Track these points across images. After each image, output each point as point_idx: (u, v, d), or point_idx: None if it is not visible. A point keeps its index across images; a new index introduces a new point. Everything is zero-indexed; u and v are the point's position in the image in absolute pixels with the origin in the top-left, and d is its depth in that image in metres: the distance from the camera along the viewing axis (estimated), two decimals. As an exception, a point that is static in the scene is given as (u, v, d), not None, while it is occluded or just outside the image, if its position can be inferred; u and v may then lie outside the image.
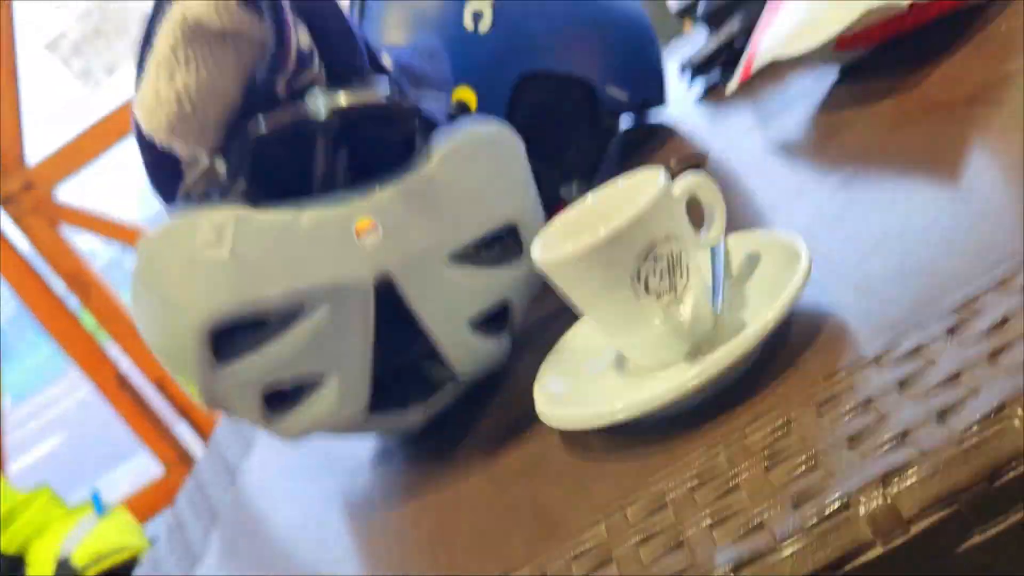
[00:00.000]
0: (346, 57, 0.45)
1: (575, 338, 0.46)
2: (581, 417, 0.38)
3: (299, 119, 0.43)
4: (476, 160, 0.46)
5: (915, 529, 0.26)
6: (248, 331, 0.44)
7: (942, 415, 0.28)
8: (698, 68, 0.85)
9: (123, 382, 3.23)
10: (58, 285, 3.14)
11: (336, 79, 0.45)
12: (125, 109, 2.98)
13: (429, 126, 0.49)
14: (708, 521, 0.30)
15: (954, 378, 0.29)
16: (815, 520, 0.27)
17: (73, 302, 3.16)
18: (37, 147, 3.03)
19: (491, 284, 0.47)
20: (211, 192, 0.46)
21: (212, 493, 0.68)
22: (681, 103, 0.89)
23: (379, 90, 0.45)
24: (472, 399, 0.51)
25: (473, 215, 0.45)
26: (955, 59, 0.56)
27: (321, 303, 0.42)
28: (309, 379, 0.45)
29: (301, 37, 0.42)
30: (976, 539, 0.26)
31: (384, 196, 0.43)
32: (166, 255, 0.43)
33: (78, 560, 0.82)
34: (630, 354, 0.41)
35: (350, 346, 0.43)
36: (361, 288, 0.42)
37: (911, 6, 0.56)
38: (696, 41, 0.99)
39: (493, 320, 0.49)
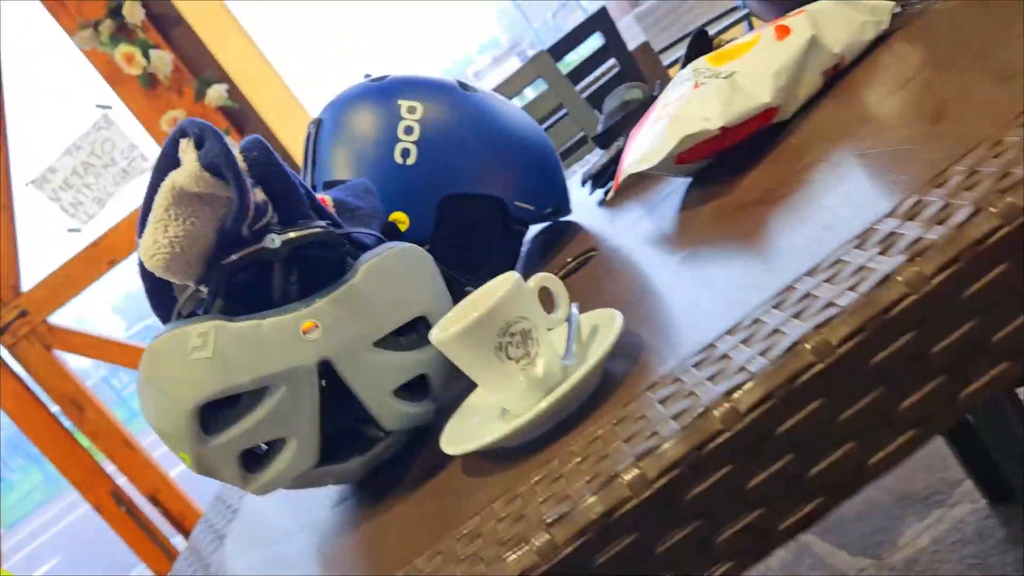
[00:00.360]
0: (292, 205, 0.61)
1: (475, 397, 0.62)
2: (466, 446, 0.54)
3: (259, 252, 0.59)
4: (390, 271, 0.62)
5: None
6: (226, 412, 0.60)
7: (678, 416, 0.44)
8: (595, 179, 1.04)
9: (119, 498, 3.31)
10: (53, 407, 3.25)
11: (286, 221, 0.61)
12: (111, 237, 3.16)
13: (360, 247, 0.66)
14: (541, 499, 0.45)
15: (688, 394, 0.45)
16: (603, 479, 0.43)
17: (68, 422, 3.26)
18: (31, 276, 3.19)
19: (408, 362, 0.62)
20: (197, 310, 0.62)
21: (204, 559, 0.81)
22: (586, 207, 1.06)
23: (316, 226, 0.62)
24: (409, 449, 0.67)
25: (390, 312, 0.61)
26: (761, 166, 0.74)
27: (280, 384, 0.58)
28: (274, 442, 0.60)
29: (257, 194, 0.59)
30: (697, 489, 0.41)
31: (322, 303, 0.59)
32: (165, 357, 0.58)
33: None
34: (506, 405, 0.57)
35: (303, 415, 0.59)
36: (308, 370, 0.58)
37: (722, 129, 0.74)
38: (594, 159, 1.18)
39: (416, 389, 0.65)
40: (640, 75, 2.16)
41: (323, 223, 0.62)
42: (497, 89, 1.91)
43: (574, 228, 1.03)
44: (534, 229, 1.15)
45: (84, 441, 3.32)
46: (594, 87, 2.18)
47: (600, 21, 2.12)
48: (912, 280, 0.41)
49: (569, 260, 0.89)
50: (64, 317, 3.27)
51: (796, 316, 0.44)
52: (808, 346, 0.42)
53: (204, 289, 0.61)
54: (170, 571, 0.81)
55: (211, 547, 0.82)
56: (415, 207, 0.89)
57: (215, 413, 0.60)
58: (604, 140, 1.03)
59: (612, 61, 2.16)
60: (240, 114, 3.05)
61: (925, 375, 0.42)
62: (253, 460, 0.62)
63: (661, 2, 4.07)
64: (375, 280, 0.61)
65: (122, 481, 3.32)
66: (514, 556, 0.42)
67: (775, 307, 0.47)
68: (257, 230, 0.60)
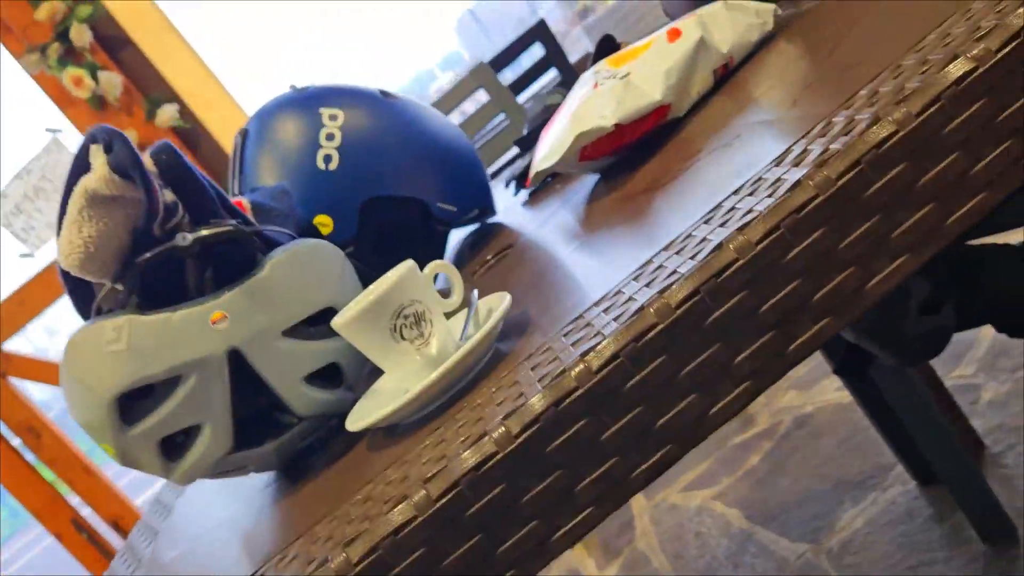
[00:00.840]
0: (202, 205, 0.65)
1: (382, 381, 0.66)
2: (364, 421, 0.57)
3: (171, 250, 0.63)
4: (297, 265, 0.66)
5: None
6: (144, 403, 0.63)
7: (542, 378, 0.48)
8: (518, 180, 1.08)
9: (79, 525, 3.29)
10: (14, 439, 3.22)
11: (197, 221, 0.65)
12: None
13: (272, 245, 0.70)
14: (424, 461, 0.49)
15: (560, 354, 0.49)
16: (475, 438, 0.47)
17: (30, 455, 3.23)
18: (-17, 304, 3.16)
19: (318, 350, 0.66)
20: (115, 307, 0.65)
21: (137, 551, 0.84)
22: (513, 208, 1.11)
23: (227, 224, 0.65)
24: (332, 436, 0.70)
25: (297, 303, 0.65)
26: (655, 158, 0.79)
27: (192, 372, 0.61)
28: (190, 429, 0.63)
29: (167, 195, 0.62)
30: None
31: (230, 295, 0.63)
32: (83, 351, 0.62)
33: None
34: (405, 384, 0.61)
35: (215, 401, 0.62)
36: (217, 359, 0.61)
37: (617, 126, 0.79)
38: (517, 161, 1.23)
39: (332, 378, 0.68)
40: (580, 85, 2.21)
41: (233, 221, 0.66)
42: (440, 100, 1.96)
43: (499, 228, 1.07)
44: (464, 231, 1.20)
45: (46, 473, 3.29)
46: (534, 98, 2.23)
47: (540, 32, 2.18)
48: (740, 247, 0.46)
49: (490, 257, 0.93)
50: (19, 343, 3.25)
51: (647, 285, 0.49)
52: (651, 309, 0.46)
53: (121, 287, 0.64)
54: (107, 570, 0.84)
55: (145, 543, 0.84)
56: (338, 210, 0.93)
57: (133, 404, 0.63)
58: (526, 143, 1.07)
59: (554, 72, 2.22)
60: (192, 134, 3.07)
61: (756, 332, 0.46)
62: (174, 450, 0.65)
63: (608, 16, 4.16)
64: (282, 273, 0.65)
65: (86, 512, 3.30)
66: (395, 511, 0.46)
67: (635, 279, 0.52)
68: (169, 229, 0.63)
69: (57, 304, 3.25)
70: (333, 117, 0.94)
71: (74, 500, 3.29)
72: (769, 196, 0.48)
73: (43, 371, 3.31)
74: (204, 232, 0.64)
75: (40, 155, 3.13)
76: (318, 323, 0.67)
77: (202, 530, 0.76)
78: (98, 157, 0.60)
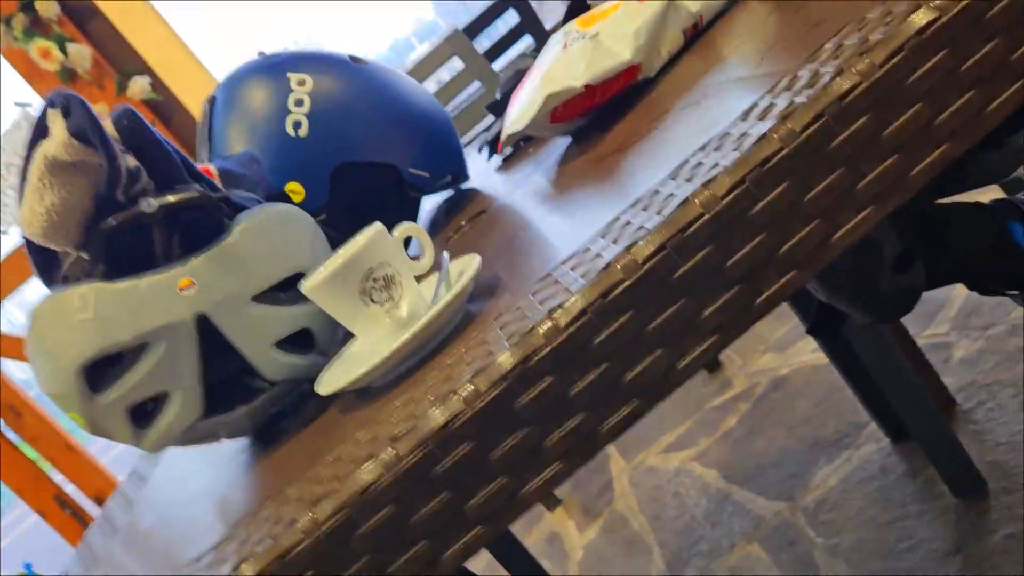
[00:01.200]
0: (167, 171, 0.64)
1: (353, 345, 0.65)
2: (334, 385, 0.57)
3: (135, 215, 0.62)
4: (266, 230, 0.65)
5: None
6: (112, 371, 0.63)
7: (510, 336, 0.48)
8: (491, 145, 1.08)
9: (63, 502, 3.28)
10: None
11: (162, 187, 0.64)
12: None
13: (239, 211, 0.69)
14: (393, 421, 0.50)
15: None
16: (443, 396, 0.47)
17: (13, 435, 3.21)
18: (-44, 283, 3.12)
19: (288, 315, 0.66)
20: (81, 276, 0.65)
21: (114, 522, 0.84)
22: (486, 173, 1.10)
23: (192, 190, 0.64)
24: (304, 402, 0.70)
25: (266, 268, 0.65)
26: (626, 119, 0.79)
27: (160, 339, 0.61)
28: (159, 396, 0.63)
29: (129, 160, 0.61)
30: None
31: (197, 261, 0.62)
32: (49, 321, 0.61)
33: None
34: (375, 347, 0.61)
35: (184, 368, 0.62)
36: (185, 325, 0.61)
37: (587, 87, 0.78)
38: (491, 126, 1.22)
39: (303, 343, 0.68)
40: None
41: (199, 187, 0.65)
42: (414, 68, 1.94)
43: (473, 193, 1.07)
44: (438, 197, 1.19)
45: (28, 451, 3.27)
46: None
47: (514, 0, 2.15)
48: (706, 201, 0.46)
49: (463, 222, 0.93)
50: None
51: (614, 241, 0.49)
52: (618, 265, 0.46)
53: (86, 255, 0.63)
54: (82, 538, 0.83)
55: (121, 512, 0.84)
56: (309, 177, 0.92)
57: (102, 373, 0.63)
58: (498, 108, 1.07)
59: (529, 39, 2.20)
60: (164, 106, 3.02)
61: (723, 285, 0.47)
62: (144, 418, 0.65)
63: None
64: (250, 238, 0.64)
65: (70, 489, 3.28)
66: (362, 469, 0.46)
67: (602, 236, 0.52)
68: (133, 195, 0.62)
69: (33, 281, 3.21)
70: (301, 82, 0.93)
71: (57, 478, 3.28)
72: (734, 150, 0.48)
73: (22, 349, 3.29)
74: (170, 198, 0.63)
75: (10, 130, 3.08)
76: (288, 288, 0.67)
77: (177, 497, 0.76)
78: (56, 122, 0.59)
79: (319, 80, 0.94)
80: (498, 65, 2.17)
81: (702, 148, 0.53)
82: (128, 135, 0.62)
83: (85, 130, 0.58)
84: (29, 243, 0.65)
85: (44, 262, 0.67)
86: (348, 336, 0.67)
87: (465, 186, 1.12)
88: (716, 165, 0.48)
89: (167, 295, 0.61)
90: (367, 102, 0.96)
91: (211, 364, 0.63)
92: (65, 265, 0.64)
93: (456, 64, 2.03)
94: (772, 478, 1.69)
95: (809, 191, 0.47)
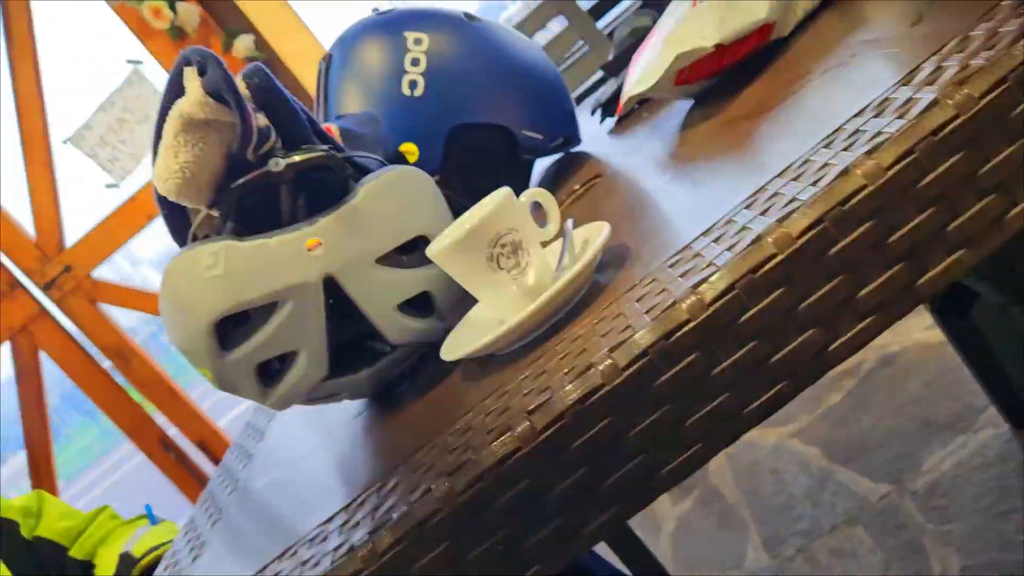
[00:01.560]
0: (295, 131, 0.64)
1: (476, 311, 0.65)
2: (461, 351, 0.57)
3: (263, 175, 0.62)
4: (390, 192, 0.65)
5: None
6: (241, 329, 0.64)
7: (650, 310, 0.46)
8: (604, 107, 1.05)
9: (167, 444, 3.44)
10: (104, 362, 3.37)
11: (289, 146, 0.64)
12: (148, 191, 3.22)
13: (363, 172, 0.68)
14: (525, 392, 0.48)
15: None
16: (579, 370, 0.45)
17: (120, 378, 3.38)
18: (73, 232, 3.28)
19: (410, 279, 0.65)
20: (210, 233, 0.66)
21: (221, 493, 0.87)
22: (598, 137, 1.08)
23: (319, 150, 0.64)
24: (422, 366, 0.70)
25: (390, 230, 0.64)
26: (757, 82, 0.75)
27: (288, 299, 0.61)
28: (286, 355, 0.63)
29: (260, 119, 0.61)
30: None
31: (325, 222, 0.62)
32: (181, 277, 0.62)
33: (136, 552, 1.01)
34: (501, 314, 0.60)
35: (311, 328, 0.62)
36: (313, 286, 0.61)
37: (718, 47, 0.75)
38: (602, 87, 1.19)
39: (424, 307, 0.68)
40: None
41: (325, 147, 0.65)
42: (517, 26, 1.91)
43: (584, 157, 1.04)
44: (547, 160, 1.17)
45: (135, 395, 3.43)
46: (617, 23, 2.16)
47: (620, -45, 2.09)
48: (869, 172, 0.43)
49: (577, 187, 0.91)
50: (106, 271, 3.36)
51: (763, 213, 0.46)
52: (770, 239, 0.44)
53: (216, 213, 0.64)
54: (206, 487, 0.86)
55: (240, 464, 0.87)
56: (424, 138, 0.91)
57: (231, 330, 0.64)
58: (614, 68, 1.03)
59: (633, -3, 2.14)
60: (267, 64, 3.08)
61: (884, 263, 0.43)
62: (270, 376, 0.66)
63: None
64: (375, 200, 0.64)
65: (173, 432, 3.44)
66: (498, 442, 0.46)
67: (747, 207, 0.49)
68: (262, 155, 0.63)
69: (141, 234, 3.34)
70: (418, 41, 0.92)
71: (161, 420, 3.44)
72: (899, 117, 0.44)
73: (130, 298, 3.44)
74: (297, 158, 0.63)
75: (122, 87, 3.18)
76: (410, 251, 0.66)
77: (295, 456, 0.77)
78: (192, 80, 0.59)
79: (435, 39, 0.92)
80: (602, 24, 2.12)
81: (858, 114, 0.49)
82: (259, 93, 0.62)
83: (220, 89, 0.59)
84: (162, 200, 0.66)
85: (175, 219, 0.68)
86: (468, 300, 0.66)
87: (575, 149, 1.09)
88: (879, 133, 0.44)
89: (296, 255, 0.61)
90: (482, 61, 0.94)
91: (335, 325, 0.63)
92: (195, 222, 0.65)
93: (554, 26, 1.99)
94: (878, 458, 1.63)
95: (985, 163, 0.43)
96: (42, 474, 3.44)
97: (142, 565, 1.03)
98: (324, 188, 0.65)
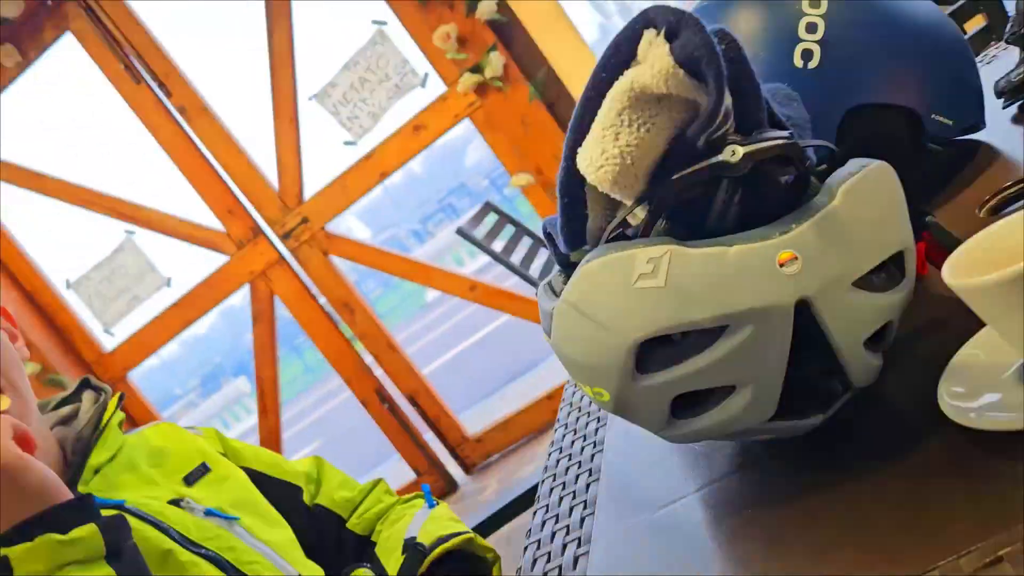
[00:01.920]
0: (752, 112, 0.52)
1: (974, 354, 0.50)
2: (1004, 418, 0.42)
3: (716, 166, 0.50)
4: (872, 195, 0.51)
5: None
6: (661, 349, 0.52)
7: None
8: (1013, 91, 0.85)
9: (382, 395, 3.53)
10: (330, 310, 3.49)
11: (742, 130, 0.52)
12: (382, 150, 3.27)
13: (810, 165, 0.55)
14: None
15: None
16: None
17: (344, 327, 3.49)
18: (312, 186, 3.40)
19: (882, 306, 0.52)
20: (625, 233, 0.54)
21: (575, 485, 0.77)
22: (995, 124, 0.88)
23: (779, 137, 0.51)
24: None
25: (871, 245, 0.50)
26: None
27: (746, 324, 0.49)
28: (721, 389, 0.52)
29: (727, 99, 0.49)
30: None
31: (802, 230, 0.49)
32: (605, 283, 0.51)
33: (425, 540, 0.95)
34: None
35: (768, 361, 0.50)
36: (783, 311, 0.48)
37: None
38: (1006, 61, 0.98)
39: (877, 340, 0.54)
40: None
41: (785, 133, 0.52)
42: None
43: (985, 149, 0.85)
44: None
45: (357, 345, 3.54)
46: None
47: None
48: None
49: (1007, 191, 0.73)
50: (336, 225, 3.47)
51: None
52: None
53: (641, 208, 0.53)
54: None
55: (587, 453, 0.77)
56: (816, 120, 0.76)
57: (650, 350, 0.52)
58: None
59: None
60: (507, 28, 3.01)
61: None
62: (684, 407, 0.54)
63: None
64: (855, 205, 0.50)
65: (387, 383, 3.53)
66: None
67: None
68: (713, 141, 0.51)
69: (372, 193, 3.41)
70: (815, 3, 0.77)
71: (378, 372, 3.53)
72: None
73: (358, 252, 3.54)
74: (759, 146, 0.50)
75: (366, 47, 3.22)
76: (877, 271, 0.52)
77: (658, 500, 0.66)
78: (659, 47, 0.48)
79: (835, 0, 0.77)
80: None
81: None
82: (728, 66, 0.49)
83: (699, 58, 0.47)
84: (566, 183, 0.56)
85: (574, 210, 0.57)
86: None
87: (961, 138, 0.90)
88: None
89: (764, 270, 0.48)
90: (888, 29, 0.78)
91: (791, 359, 0.51)
92: (617, 219, 0.54)
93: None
94: None
95: None
96: (268, 410, 3.64)
97: (431, 557, 0.96)
98: (766, 185, 0.53)
